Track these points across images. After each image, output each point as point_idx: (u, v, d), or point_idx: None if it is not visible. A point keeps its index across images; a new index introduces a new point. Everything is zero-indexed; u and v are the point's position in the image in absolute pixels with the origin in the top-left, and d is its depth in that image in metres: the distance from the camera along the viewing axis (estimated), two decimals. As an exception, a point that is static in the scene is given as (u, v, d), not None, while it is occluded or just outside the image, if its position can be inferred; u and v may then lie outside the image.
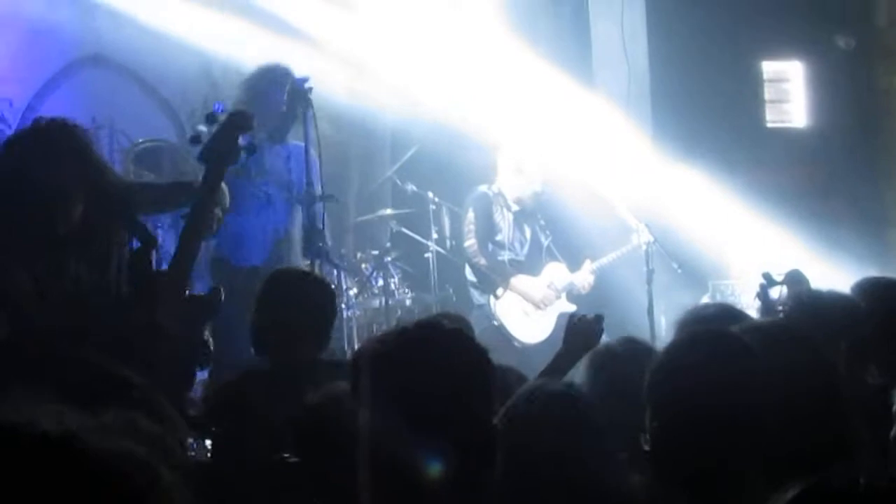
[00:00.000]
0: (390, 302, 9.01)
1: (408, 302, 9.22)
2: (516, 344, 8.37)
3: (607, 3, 9.95)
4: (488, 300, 8.55)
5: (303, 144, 6.64)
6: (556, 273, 8.73)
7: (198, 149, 4.94)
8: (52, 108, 7.99)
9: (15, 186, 4.88)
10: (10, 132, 7.45)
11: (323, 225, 6.56)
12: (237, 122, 4.98)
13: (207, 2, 9.20)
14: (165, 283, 4.86)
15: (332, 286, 5.56)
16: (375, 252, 9.27)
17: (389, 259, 9.17)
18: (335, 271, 8.33)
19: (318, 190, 6.85)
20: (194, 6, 9.21)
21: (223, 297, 4.90)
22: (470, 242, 8.58)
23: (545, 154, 8.86)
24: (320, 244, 6.30)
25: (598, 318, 4.87)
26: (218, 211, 5.13)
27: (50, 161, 4.89)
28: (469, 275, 8.68)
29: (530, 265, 8.73)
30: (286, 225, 6.94)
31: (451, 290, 9.19)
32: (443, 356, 2.61)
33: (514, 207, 8.70)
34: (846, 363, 3.77)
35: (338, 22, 9.31)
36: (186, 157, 8.29)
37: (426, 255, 9.29)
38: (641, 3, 9.93)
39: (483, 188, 8.73)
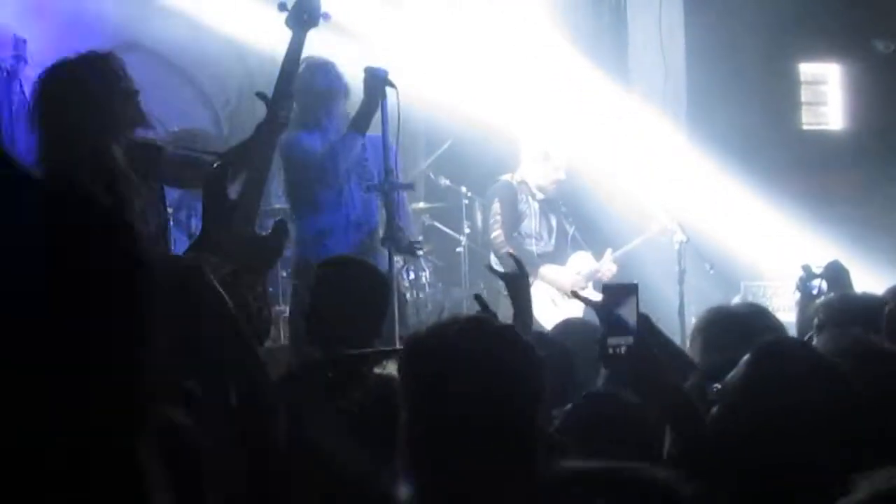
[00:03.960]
0: (421, 296, 8.99)
1: (438, 296, 9.20)
2: (545, 333, 8.24)
3: (646, 1, 9.92)
4: None
5: (377, 135, 6.48)
6: (582, 262, 8.67)
7: (284, 15, 5.46)
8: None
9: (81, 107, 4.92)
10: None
11: (402, 214, 6.35)
12: None
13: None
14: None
15: (384, 273, 5.46)
16: (407, 246, 9.22)
17: (421, 253, 9.14)
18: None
19: (398, 179, 6.53)
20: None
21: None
22: (497, 233, 8.47)
23: (573, 146, 8.81)
24: (398, 234, 6.13)
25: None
26: None
27: (108, 91, 4.99)
28: (495, 265, 8.53)
29: (557, 255, 8.66)
30: (366, 217, 6.76)
31: (482, 285, 9.16)
32: (493, 353, 2.57)
33: (539, 196, 8.63)
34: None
35: (375, 14, 9.28)
36: (221, 147, 8.23)
37: (458, 249, 9.26)
38: (679, 1, 9.89)
39: (506, 177, 8.65)
